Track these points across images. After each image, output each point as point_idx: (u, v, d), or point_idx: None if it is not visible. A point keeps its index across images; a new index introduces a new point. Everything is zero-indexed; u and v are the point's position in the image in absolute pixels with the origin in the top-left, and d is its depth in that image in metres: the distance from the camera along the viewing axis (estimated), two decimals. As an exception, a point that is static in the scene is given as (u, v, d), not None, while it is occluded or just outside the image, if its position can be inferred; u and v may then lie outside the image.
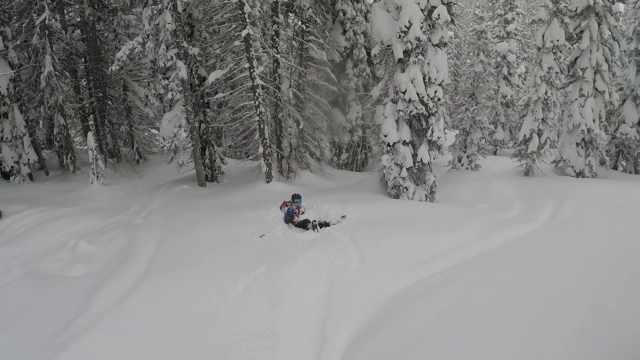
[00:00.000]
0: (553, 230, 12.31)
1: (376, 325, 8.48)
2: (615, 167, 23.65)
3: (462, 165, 23.71)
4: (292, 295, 9.54)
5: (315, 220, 12.98)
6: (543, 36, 20.61)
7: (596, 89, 20.97)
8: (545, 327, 7.26)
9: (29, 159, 21.37)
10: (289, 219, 13.42)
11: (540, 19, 20.64)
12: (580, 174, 20.92)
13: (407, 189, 16.34)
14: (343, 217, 13.08)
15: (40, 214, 15.56)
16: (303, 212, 13.93)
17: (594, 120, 20.82)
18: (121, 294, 9.80)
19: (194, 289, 9.86)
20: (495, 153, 32.15)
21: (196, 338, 8.53)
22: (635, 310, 7.26)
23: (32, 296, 10.03)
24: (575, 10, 20.75)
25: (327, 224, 12.96)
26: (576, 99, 20.96)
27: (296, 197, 14.41)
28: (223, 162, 21.61)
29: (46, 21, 19.56)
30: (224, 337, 8.59)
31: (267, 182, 18.11)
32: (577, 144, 21.22)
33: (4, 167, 21.22)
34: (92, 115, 25.40)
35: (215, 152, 20.93)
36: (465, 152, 23.82)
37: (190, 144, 19.17)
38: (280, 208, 14.06)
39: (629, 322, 6.98)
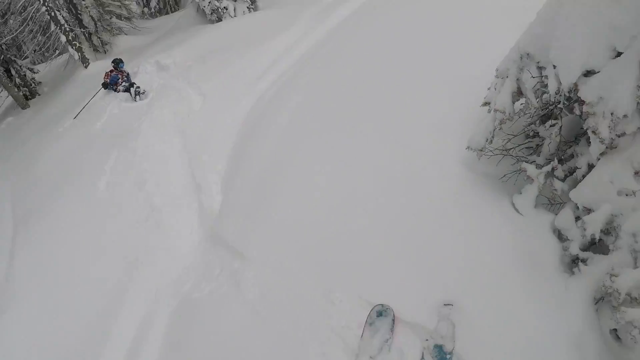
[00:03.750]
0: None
1: (241, 152, 8.34)
2: None
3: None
4: (152, 165, 9.14)
5: (138, 86, 12.11)
6: None
7: None
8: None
9: None
10: (113, 87, 12.56)
11: None
12: None
13: (226, 9, 15.30)
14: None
15: None
16: (127, 76, 12.89)
17: None
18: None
19: (62, 213, 9.17)
20: None
21: (86, 259, 8.06)
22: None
23: None
24: None
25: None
26: None
27: (119, 62, 13.11)
28: (34, 72, 19.27)
29: None
30: (111, 238, 8.21)
31: (86, 67, 16.51)
32: None
33: None
34: None
35: (21, 66, 18.53)
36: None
37: (-10, 73, 16.88)
38: (105, 79, 12.88)
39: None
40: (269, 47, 11.34)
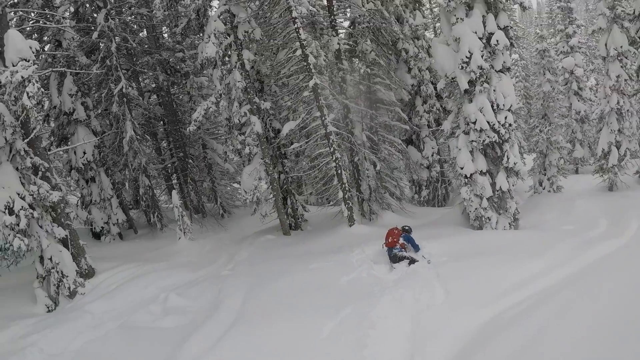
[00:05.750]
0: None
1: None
2: (703, 169, 22.30)
3: (543, 189, 23.09)
4: (378, 335, 9.55)
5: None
6: (606, 45, 19.93)
7: (669, 90, 20.02)
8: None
9: (117, 219, 22.27)
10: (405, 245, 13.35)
11: (600, 28, 19.99)
12: (667, 182, 19.89)
13: (489, 219, 16.01)
14: (429, 261, 12.73)
15: (132, 270, 16.18)
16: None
17: (673, 124, 19.82)
18: (210, 342, 10.12)
19: (281, 336, 10.03)
20: (576, 171, 30.91)
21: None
22: None
23: (125, 347, 10.70)
24: (634, 13, 19.72)
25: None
26: (651, 104, 20.09)
27: (409, 231, 14.09)
28: (305, 210, 21.84)
29: (123, 90, 20.60)
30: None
31: (350, 225, 18.06)
32: (660, 151, 20.24)
33: (95, 228, 22.19)
34: (174, 175, 26.19)
35: (296, 200, 21.24)
36: (545, 175, 23.25)
37: (271, 195, 19.59)
38: (391, 237, 13.46)
39: None
40: (522, 266, 11.46)
